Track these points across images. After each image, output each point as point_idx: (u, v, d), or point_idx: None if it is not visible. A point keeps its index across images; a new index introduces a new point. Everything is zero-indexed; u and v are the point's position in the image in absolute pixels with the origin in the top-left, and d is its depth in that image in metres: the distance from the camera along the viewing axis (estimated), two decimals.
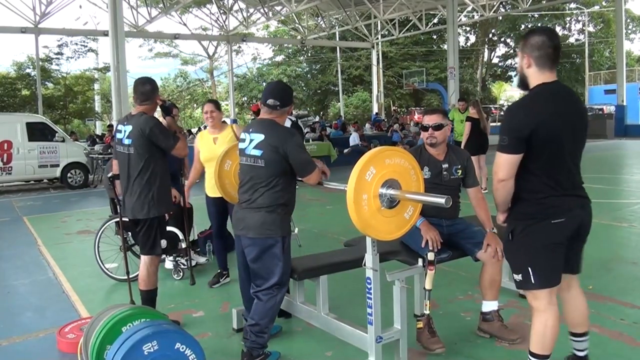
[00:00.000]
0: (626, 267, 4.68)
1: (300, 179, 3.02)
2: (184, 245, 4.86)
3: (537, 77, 2.39)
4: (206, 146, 4.46)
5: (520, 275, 2.46)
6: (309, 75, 40.46)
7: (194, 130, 21.40)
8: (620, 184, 9.97)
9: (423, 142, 3.53)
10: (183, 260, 4.92)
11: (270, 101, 2.97)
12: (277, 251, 2.92)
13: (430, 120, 3.41)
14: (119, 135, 3.52)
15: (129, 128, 3.45)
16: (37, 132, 12.32)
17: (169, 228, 4.33)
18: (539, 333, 2.45)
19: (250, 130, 3.00)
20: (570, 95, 2.46)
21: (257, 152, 2.90)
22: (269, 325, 2.99)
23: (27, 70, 26.42)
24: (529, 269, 2.42)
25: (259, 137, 2.91)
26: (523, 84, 2.46)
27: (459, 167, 3.45)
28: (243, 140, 3.03)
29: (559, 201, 2.38)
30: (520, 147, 2.32)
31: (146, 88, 3.53)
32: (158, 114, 3.68)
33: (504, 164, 2.36)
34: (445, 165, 3.42)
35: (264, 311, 2.95)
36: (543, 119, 2.31)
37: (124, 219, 3.75)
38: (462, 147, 7.90)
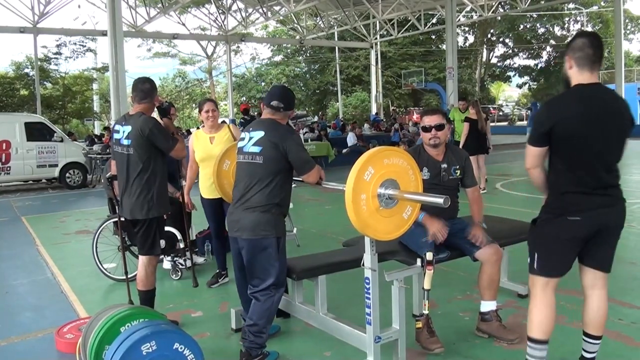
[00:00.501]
0: (625, 267, 4.68)
1: (299, 178, 3.03)
2: (182, 245, 4.86)
3: (576, 77, 2.47)
4: (202, 146, 4.40)
5: (529, 258, 2.62)
6: (307, 75, 40.40)
7: (193, 130, 21.36)
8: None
9: (422, 142, 3.52)
10: (181, 261, 4.92)
11: (274, 103, 3.00)
12: (273, 251, 2.92)
13: (431, 120, 3.39)
14: (116, 136, 3.51)
15: (127, 128, 3.43)
16: (35, 132, 12.32)
17: (166, 228, 4.33)
18: (530, 317, 2.62)
19: (251, 129, 3.02)
20: (607, 96, 2.49)
21: (256, 149, 2.91)
22: (267, 325, 3.00)
23: (26, 70, 26.33)
24: (536, 254, 2.59)
25: (258, 134, 2.93)
26: (567, 85, 2.54)
27: (458, 167, 3.44)
28: (242, 139, 3.04)
29: (578, 198, 2.46)
30: (542, 141, 2.47)
31: (146, 86, 3.54)
32: (155, 114, 3.67)
33: (529, 155, 2.54)
34: (444, 166, 3.42)
35: (262, 311, 2.95)
36: (563, 117, 2.40)
37: (121, 219, 3.74)
38: (461, 147, 7.89)
